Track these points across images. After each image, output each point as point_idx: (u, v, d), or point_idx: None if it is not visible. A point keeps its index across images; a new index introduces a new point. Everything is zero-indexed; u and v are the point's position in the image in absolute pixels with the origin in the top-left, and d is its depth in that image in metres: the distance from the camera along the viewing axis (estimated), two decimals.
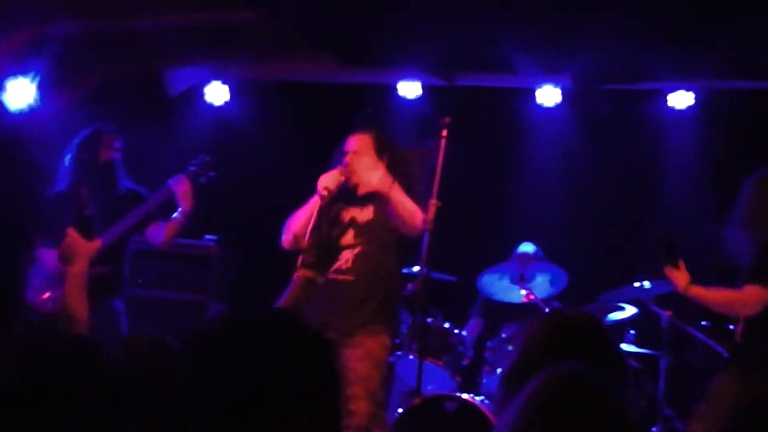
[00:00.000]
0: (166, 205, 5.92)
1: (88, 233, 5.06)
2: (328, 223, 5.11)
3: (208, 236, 7.52)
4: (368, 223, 5.19)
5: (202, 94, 8.18)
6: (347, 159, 5.14)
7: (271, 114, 8.35)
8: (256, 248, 7.72)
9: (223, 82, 8.14)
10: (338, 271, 5.11)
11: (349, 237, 5.19)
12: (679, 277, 5.11)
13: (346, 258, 5.17)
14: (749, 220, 5.06)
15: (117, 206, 5.94)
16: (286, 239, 5.27)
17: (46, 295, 5.86)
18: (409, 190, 5.05)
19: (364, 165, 5.12)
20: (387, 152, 5.12)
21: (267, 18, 6.75)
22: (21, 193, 6.30)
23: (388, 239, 4.98)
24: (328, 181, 5.01)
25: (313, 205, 5.01)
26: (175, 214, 5.91)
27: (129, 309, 6.07)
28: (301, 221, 5.14)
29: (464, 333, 6.50)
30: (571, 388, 1.95)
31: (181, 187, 5.82)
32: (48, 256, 5.81)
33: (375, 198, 5.12)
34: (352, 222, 5.18)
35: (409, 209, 5.00)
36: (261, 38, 7.36)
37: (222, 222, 7.65)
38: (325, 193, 4.97)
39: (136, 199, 5.99)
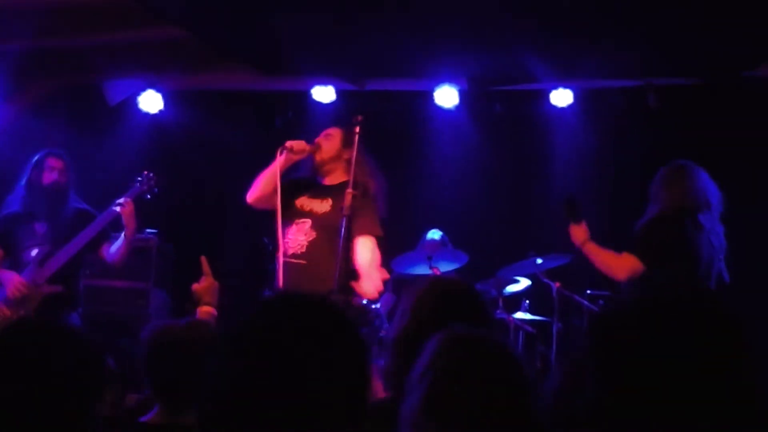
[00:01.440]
0: (113, 223, 5.79)
1: None
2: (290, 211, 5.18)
3: (148, 230, 7.42)
4: (324, 215, 5.22)
5: (137, 103, 8.08)
6: (319, 138, 5.27)
7: (200, 120, 8.25)
8: (188, 240, 7.83)
9: (157, 92, 8.05)
10: (294, 255, 5.14)
11: (306, 225, 5.24)
12: (580, 233, 5.13)
13: (301, 244, 5.21)
14: (652, 197, 5.12)
15: (67, 226, 5.82)
16: (251, 195, 5.27)
17: (6, 314, 5.65)
18: (365, 194, 5.14)
19: (329, 148, 5.25)
20: (350, 148, 5.18)
21: (189, 34, 6.70)
22: None
23: (339, 229, 4.98)
24: (295, 143, 5.15)
25: (276, 163, 5.09)
26: (122, 235, 5.79)
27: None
28: (264, 178, 5.18)
29: (378, 306, 6.57)
30: (472, 348, 1.98)
31: (127, 209, 5.71)
32: (9, 280, 5.70)
33: (333, 192, 5.21)
34: (311, 212, 5.23)
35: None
36: (186, 52, 7.29)
37: (160, 217, 7.51)
38: (289, 146, 5.10)
39: (85, 218, 5.85)
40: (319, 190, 5.28)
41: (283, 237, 5.13)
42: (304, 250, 5.17)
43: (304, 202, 5.24)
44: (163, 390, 3.04)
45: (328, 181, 5.31)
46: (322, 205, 5.23)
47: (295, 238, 5.20)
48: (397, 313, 2.83)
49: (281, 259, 5.11)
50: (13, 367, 2.03)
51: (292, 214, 5.20)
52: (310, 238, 5.18)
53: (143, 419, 3.03)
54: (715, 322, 1.65)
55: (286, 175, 5.23)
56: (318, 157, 5.26)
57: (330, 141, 5.29)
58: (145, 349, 3.08)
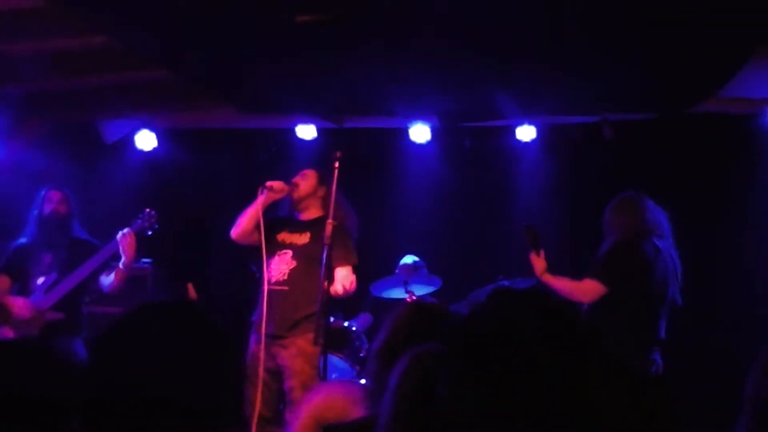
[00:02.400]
0: (114, 255, 5.80)
1: None
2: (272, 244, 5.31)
3: (144, 259, 7.39)
4: (304, 246, 5.35)
5: (133, 141, 8.06)
6: (296, 178, 5.45)
7: (191, 156, 8.32)
8: (180, 267, 7.89)
9: (151, 131, 8.01)
10: (277, 282, 5.28)
11: (288, 256, 5.38)
12: (539, 264, 5.19)
13: (283, 272, 5.34)
14: (607, 227, 5.19)
15: (71, 255, 5.84)
16: (234, 232, 5.39)
17: (10, 335, 5.70)
18: (341, 225, 5.25)
19: (306, 186, 5.43)
20: (326, 187, 5.34)
21: (173, 76, 6.73)
22: None
23: (320, 258, 5.07)
24: (275, 183, 5.31)
25: (258, 202, 5.23)
26: (120, 264, 5.78)
27: None
28: (246, 215, 5.31)
29: (354, 326, 6.56)
30: (431, 365, 2.03)
31: (127, 240, 5.73)
32: (15, 303, 5.76)
33: (311, 226, 5.37)
34: (291, 244, 5.38)
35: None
36: (175, 92, 7.31)
37: (154, 246, 7.17)
38: (269, 186, 5.26)
39: (88, 249, 5.87)
40: (297, 225, 5.45)
41: (267, 267, 5.28)
42: (286, 277, 5.31)
43: (284, 236, 5.41)
44: None
45: (305, 216, 5.49)
46: (302, 238, 5.40)
47: (278, 267, 5.34)
48: (382, 328, 2.95)
49: (266, 287, 5.25)
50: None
51: (274, 247, 5.36)
52: (291, 267, 5.34)
53: None
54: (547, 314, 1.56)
55: (266, 212, 5.35)
56: (296, 195, 5.44)
57: (306, 180, 5.47)
58: None
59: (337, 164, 5.22)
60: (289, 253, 5.38)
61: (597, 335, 1.69)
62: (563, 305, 1.62)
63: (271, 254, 5.32)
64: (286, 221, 5.51)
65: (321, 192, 5.46)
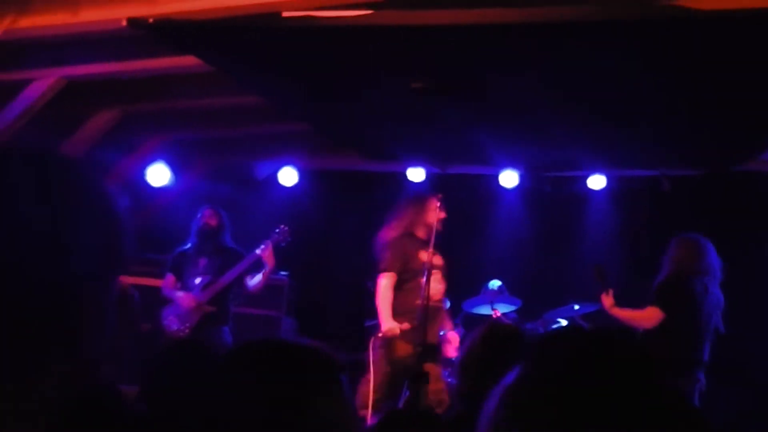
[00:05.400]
0: (256, 262, 5.95)
1: None
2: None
3: (282, 272, 7.51)
4: (442, 268, 5.41)
5: (277, 178, 8.15)
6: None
7: (324, 192, 8.44)
8: (313, 281, 8.17)
9: (293, 168, 8.10)
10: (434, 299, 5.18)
11: (438, 276, 5.37)
12: (607, 301, 5.18)
13: (439, 291, 5.37)
14: (668, 259, 5.15)
15: (221, 260, 5.97)
16: None
17: (177, 327, 5.91)
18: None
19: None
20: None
21: (311, 128, 6.85)
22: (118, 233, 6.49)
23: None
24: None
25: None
26: (262, 270, 5.92)
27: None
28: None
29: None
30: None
31: (267, 251, 5.86)
32: (180, 299, 5.94)
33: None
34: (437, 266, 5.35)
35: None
36: (311, 141, 7.45)
37: (290, 262, 7.61)
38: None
39: (236, 256, 5.98)
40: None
41: (425, 285, 5.08)
42: (440, 296, 5.42)
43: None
44: None
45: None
46: (437, 259, 5.39)
47: (435, 286, 5.26)
48: (467, 339, 2.96)
49: (424, 302, 5.06)
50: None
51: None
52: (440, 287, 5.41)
53: None
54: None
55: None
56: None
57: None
58: None
59: (438, 203, 5.26)
60: (438, 273, 5.39)
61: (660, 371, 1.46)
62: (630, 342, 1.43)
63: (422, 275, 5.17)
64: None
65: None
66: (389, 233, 5.46)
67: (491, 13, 3.74)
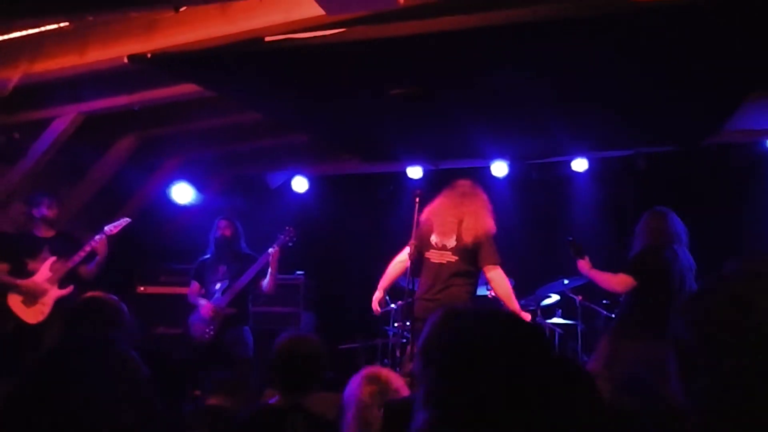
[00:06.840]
0: (269, 263, 5.88)
1: None
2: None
3: (298, 272, 7.52)
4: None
5: (290, 186, 8.14)
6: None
7: (331, 195, 8.39)
8: (327, 278, 8.10)
9: (304, 177, 8.11)
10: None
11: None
12: (585, 265, 5.22)
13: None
14: (638, 232, 5.18)
15: (239, 266, 5.92)
16: None
17: (202, 330, 5.84)
18: None
19: None
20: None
21: (314, 138, 6.88)
22: None
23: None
24: None
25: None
26: (269, 272, 5.86)
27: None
28: None
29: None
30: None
31: (274, 255, 5.86)
32: (201, 308, 5.87)
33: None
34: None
35: None
36: (316, 150, 7.49)
37: (305, 262, 7.63)
38: None
39: (251, 260, 5.94)
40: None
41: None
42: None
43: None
44: (286, 382, 3.03)
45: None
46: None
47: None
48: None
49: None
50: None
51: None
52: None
53: (271, 401, 3.07)
54: None
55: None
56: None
57: None
58: (276, 353, 3.11)
59: (417, 198, 5.26)
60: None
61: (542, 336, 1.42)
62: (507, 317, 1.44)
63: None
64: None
65: None
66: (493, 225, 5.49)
67: (457, 20, 3.74)
